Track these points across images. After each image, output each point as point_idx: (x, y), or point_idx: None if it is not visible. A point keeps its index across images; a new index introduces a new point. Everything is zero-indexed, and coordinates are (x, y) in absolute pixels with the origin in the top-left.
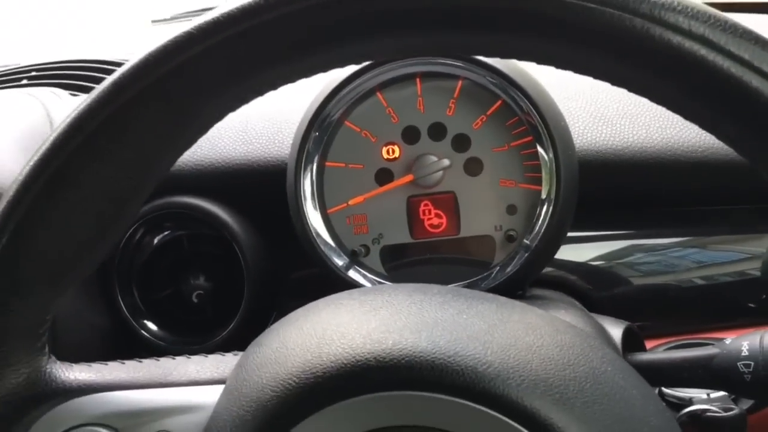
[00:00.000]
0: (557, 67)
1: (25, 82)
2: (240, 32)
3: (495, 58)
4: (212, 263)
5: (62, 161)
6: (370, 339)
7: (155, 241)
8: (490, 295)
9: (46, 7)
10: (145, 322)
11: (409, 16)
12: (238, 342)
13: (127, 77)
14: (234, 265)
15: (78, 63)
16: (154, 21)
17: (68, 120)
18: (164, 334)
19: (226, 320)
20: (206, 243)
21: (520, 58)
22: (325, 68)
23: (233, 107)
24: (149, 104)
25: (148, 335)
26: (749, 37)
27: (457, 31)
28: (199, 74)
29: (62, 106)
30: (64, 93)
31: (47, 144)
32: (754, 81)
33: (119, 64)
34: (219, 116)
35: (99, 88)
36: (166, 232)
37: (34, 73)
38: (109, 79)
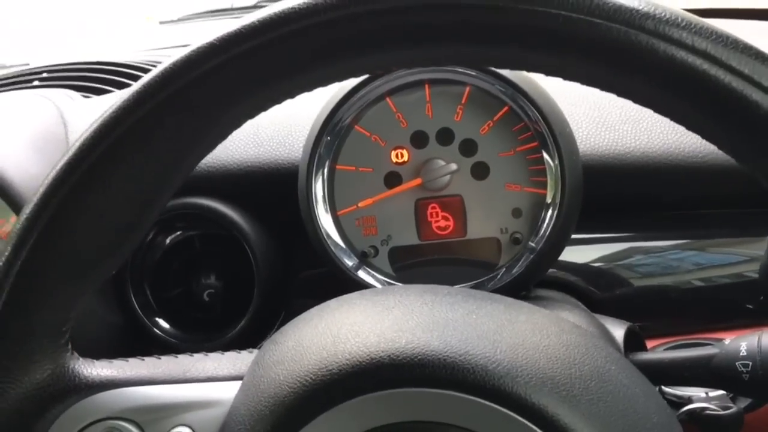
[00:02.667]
0: (565, 78)
1: (36, 83)
2: (261, 44)
3: (505, 69)
4: (223, 263)
5: (87, 167)
6: (384, 338)
7: (167, 240)
8: (498, 296)
9: (52, 8)
10: (157, 320)
11: (426, 29)
12: (248, 340)
13: (152, 86)
14: (244, 264)
15: (89, 65)
16: (162, 22)
17: (94, 126)
18: (175, 331)
19: (235, 319)
20: (217, 243)
21: (529, 71)
22: (341, 78)
23: (252, 115)
24: (172, 112)
25: (159, 333)
26: (750, 52)
27: (470, 44)
28: (220, 83)
29: (75, 108)
30: (76, 95)
31: (73, 149)
32: (755, 95)
33: (130, 66)
34: (237, 124)
35: (124, 96)
36: (178, 232)
37: (45, 75)
38: (134, 87)
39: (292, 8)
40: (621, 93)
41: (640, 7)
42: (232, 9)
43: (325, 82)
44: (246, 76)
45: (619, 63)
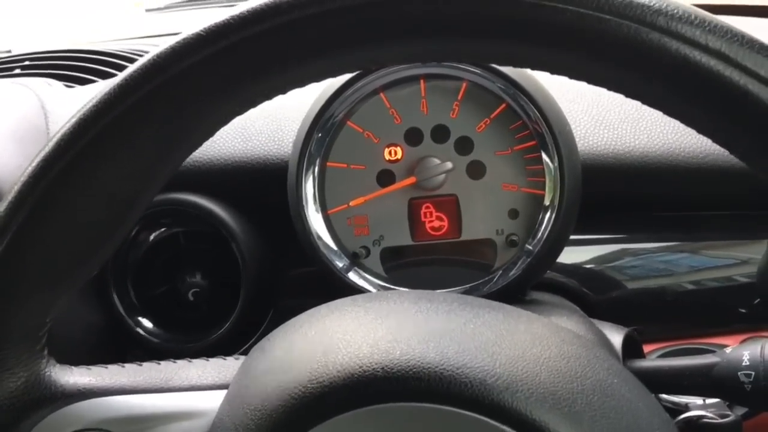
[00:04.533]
0: (572, 77)
1: (17, 71)
2: (251, 35)
3: (508, 67)
4: (209, 261)
5: (66, 163)
6: (377, 348)
7: (151, 237)
8: (496, 303)
9: None
10: (140, 319)
11: (427, 23)
12: (235, 340)
13: (135, 79)
14: (231, 262)
15: (72, 53)
16: (148, 10)
17: (73, 121)
18: (159, 331)
19: (222, 318)
20: (203, 240)
21: (533, 69)
22: (336, 73)
23: (241, 111)
24: (156, 107)
25: (143, 332)
26: (766, 52)
27: (472, 39)
28: (207, 77)
29: (56, 98)
30: (58, 84)
31: (50, 145)
32: None
33: (114, 55)
34: (225, 120)
35: (105, 89)
36: (162, 229)
37: (26, 63)
38: (115, 80)
39: None
40: (630, 94)
41: (652, 3)
42: None
43: (319, 77)
44: (235, 69)
45: (629, 62)
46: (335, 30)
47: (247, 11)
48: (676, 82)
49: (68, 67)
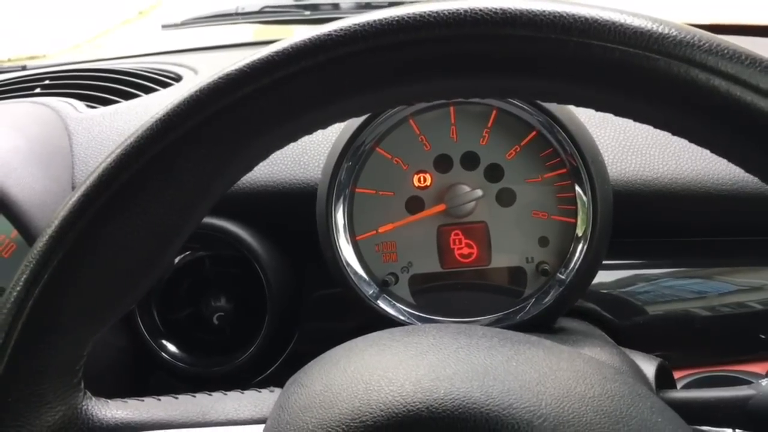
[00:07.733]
0: (617, 114)
1: (38, 90)
2: (294, 72)
3: (554, 103)
4: (233, 284)
5: (107, 198)
6: (420, 387)
7: (176, 261)
8: (535, 338)
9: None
10: (164, 342)
11: (472, 60)
12: (260, 363)
13: (177, 114)
14: (255, 286)
15: (93, 72)
16: (164, 26)
17: (114, 155)
18: (183, 354)
19: (246, 342)
20: (228, 264)
21: (579, 105)
22: (376, 109)
23: (281, 146)
24: (197, 143)
25: (166, 356)
26: None
27: (520, 77)
28: (250, 113)
29: (80, 119)
30: (81, 104)
31: (92, 179)
32: None
33: (136, 75)
34: (266, 154)
35: (147, 125)
36: (187, 252)
37: (47, 82)
38: (157, 115)
39: (328, 35)
40: (677, 132)
41: (702, 43)
42: (236, 14)
43: (359, 112)
44: (278, 106)
45: (679, 101)
46: (382, 67)
47: (292, 47)
48: (727, 122)
49: (89, 86)
